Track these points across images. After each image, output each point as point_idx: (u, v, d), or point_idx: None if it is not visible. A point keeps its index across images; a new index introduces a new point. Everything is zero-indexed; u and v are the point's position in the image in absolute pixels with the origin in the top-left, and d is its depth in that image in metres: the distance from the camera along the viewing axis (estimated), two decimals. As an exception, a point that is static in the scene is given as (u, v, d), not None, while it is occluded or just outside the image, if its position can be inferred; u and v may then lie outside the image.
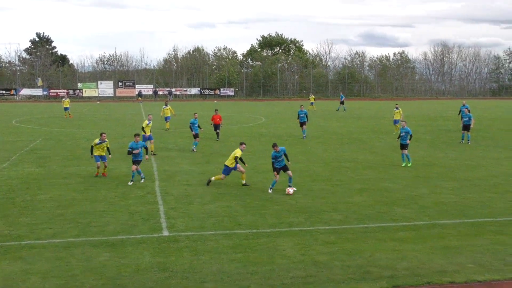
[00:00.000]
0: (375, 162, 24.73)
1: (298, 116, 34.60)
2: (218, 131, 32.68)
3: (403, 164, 23.48)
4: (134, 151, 19.88)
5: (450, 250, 12.36)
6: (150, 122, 26.78)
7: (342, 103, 63.05)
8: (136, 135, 20.53)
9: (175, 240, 13.10)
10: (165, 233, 13.67)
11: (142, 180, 20.04)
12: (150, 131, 26.84)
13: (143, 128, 26.67)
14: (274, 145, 18.45)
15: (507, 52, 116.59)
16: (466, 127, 31.70)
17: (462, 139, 31.91)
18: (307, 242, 12.94)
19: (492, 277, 10.82)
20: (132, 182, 19.64)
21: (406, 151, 23.56)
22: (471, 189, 18.87)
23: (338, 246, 12.68)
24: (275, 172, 18.29)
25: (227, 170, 19.41)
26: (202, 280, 10.66)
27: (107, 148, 21.25)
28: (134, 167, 19.93)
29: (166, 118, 38.38)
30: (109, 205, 16.44)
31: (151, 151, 26.00)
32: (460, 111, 38.65)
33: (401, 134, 23.74)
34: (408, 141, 23.54)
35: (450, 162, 24.63)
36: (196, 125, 28.49)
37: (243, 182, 19.51)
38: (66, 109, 50.44)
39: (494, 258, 11.84)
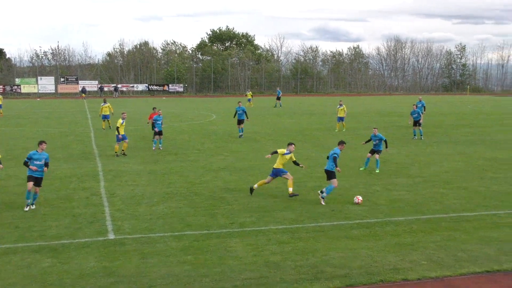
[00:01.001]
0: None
1: (236, 114, 33.52)
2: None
3: (362, 168, 22.44)
4: (30, 166, 15.75)
5: (403, 247, 12.65)
6: (124, 121, 26.48)
7: (278, 98, 63.33)
8: (42, 142, 16.16)
9: (121, 243, 12.90)
10: (111, 236, 13.45)
11: (28, 208, 15.78)
12: (124, 131, 26.59)
13: (117, 128, 26.24)
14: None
15: (459, 47, 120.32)
16: (416, 123, 32.64)
17: (414, 135, 32.78)
18: (260, 243, 12.99)
19: (444, 273, 11.14)
20: (28, 208, 15.81)
21: (378, 156, 22.27)
22: (424, 186, 19.37)
23: (291, 245, 12.78)
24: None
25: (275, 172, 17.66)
26: (150, 285, 10.54)
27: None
28: (30, 184, 15.65)
29: (106, 116, 37.13)
30: (51, 208, 16.04)
31: (123, 150, 25.97)
32: (417, 106, 39.41)
33: (374, 142, 22.35)
34: (384, 148, 22.39)
35: (403, 159, 25.21)
36: (160, 122, 28.26)
37: (290, 190, 17.38)
38: None
39: (446, 254, 12.20)
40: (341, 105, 37.16)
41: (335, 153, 16.93)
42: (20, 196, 17.35)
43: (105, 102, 37.68)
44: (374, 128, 22.95)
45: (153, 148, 27.91)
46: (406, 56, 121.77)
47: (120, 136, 26.04)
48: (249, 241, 13.13)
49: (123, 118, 26.46)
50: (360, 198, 16.92)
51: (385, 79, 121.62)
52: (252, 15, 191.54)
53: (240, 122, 33.22)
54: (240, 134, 32.99)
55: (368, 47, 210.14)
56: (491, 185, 19.50)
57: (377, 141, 22.40)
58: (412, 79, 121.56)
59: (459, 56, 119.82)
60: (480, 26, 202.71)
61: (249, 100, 64.02)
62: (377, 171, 21.89)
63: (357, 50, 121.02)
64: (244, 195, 17.76)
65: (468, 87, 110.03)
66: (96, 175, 21.10)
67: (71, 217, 15.12)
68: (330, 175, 16.93)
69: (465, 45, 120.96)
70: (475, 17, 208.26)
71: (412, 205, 16.55)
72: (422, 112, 37.79)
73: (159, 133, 28.05)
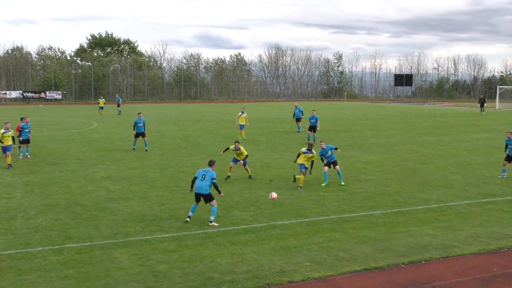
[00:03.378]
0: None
1: (135, 126, 29.78)
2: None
3: (323, 184, 20.89)
4: None
5: (288, 250, 12.98)
6: (8, 131, 24.81)
7: (118, 105, 62.47)
8: None
9: (-5, 260, 12.08)
10: (-17, 253, 12.55)
11: None
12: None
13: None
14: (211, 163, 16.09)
15: (336, 55, 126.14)
16: (312, 128, 34.09)
17: (308, 139, 33.93)
18: (145, 252, 12.74)
19: (327, 273, 11.57)
20: None
21: (338, 167, 21.41)
22: (306, 189, 20.02)
23: (178, 253, 12.66)
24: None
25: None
26: (29, 303, 9.96)
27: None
28: None
29: None
30: None
31: (8, 164, 24.24)
32: (294, 113, 40.96)
33: (326, 155, 21.49)
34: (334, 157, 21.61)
35: (285, 164, 25.89)
36: (27, 130, 26.94)
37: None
38: None
39: (329, 255, 12.69)
40: (243, 112, 36.87)
41: (213, 178, 15.37)
42: None
43: None
44: (321, 142, 22.20)
45: (20, 157, 26.61)
46: (287, 64, 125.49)
47: (5, 145, 24.58)
48: (134, 251, 12.83)
49: (6, 129, 24.92)
50: (275, 194, 17.38)
51: (267, 86, 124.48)
52: (132, 21, 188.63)
53: (140, 135, 29.72)
54: (146, 148, 29.57)
55: (251, 55, 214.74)
56: (367, 187, 20.59)
57: (329, 153, 21.44)
58: (293, 86, 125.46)
59: (337, 64, 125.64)
60: (353, 36, 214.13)
61: (101, 108, 60.63)
62: (343, 183, 20.85)
63: (239, 57, 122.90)
64: (129, 204, 17.35)
65: (345, 93, 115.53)
66: (-35, 189, 19.62)
67: None
68: (209, 197, 15.36)
69: (341, 54, 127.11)
70: (349, 27, 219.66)
71: (295, 209, 17.05)
72: (301, 117, 39.84)
73: (26, 141, 26.99)
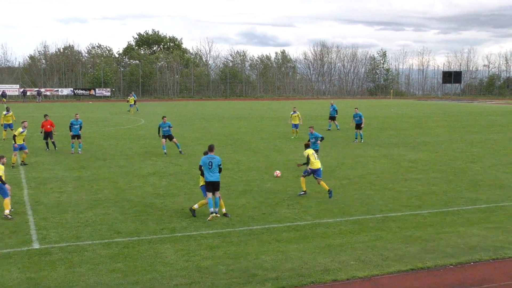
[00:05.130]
0: (257, 163, 25.22)
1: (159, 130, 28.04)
2: (52, 140, 28.92)
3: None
4: None
5: (333, 249, 12.90)
6: (24, 130, 25.18)
7: (134, 102, 61.59)
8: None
9: (47, 252, 12.45)
10: (36, 245, 12.95)
11: None
12: (24, 140, 25.20)
13: (14, 137, 24.73)
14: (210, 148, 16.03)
15: (380, 53, 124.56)
16: (357, 126, 33.64)
17: (356, 138, 33.57)
18: (191, 248, 12.89)
19: (372, 272, 11.45)
20: None
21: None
22: (351, 187, 19.86)
23: (222, 250, 12.76)
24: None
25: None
26: (78, 295, 10.23)
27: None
28: None
29: (9, 126, 34.18)
30: (-30, 218, 15.28)
31: (22, 161, 24.52)
32: (334, 110, 41.07)
33: (312, 141, 22.79)
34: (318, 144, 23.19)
35: (330, 161, 25.74)
36: (77, 126, 27.72)
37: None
38: None
39: (374, 254, 12.55)
40: (294, 111, 36.10)
41: (220, 164, 15.60)
42: None
43: (8, 110, 34.73)
44: (310, 127, 23.62)
45: (72, 152, 27.51)
46: (332, 61, 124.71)
47: (16, 145, 24.49)
48: (180, 246, 13.00)
49: (24, 127, 25.18)
50: (279, 172, 17.32)
51: (312, 84, 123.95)
52: (179, 19, 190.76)
53: (167, 138, 27.89)
54: (180, 150, 28.11)
55: (296, 52, 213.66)
56: (414, 186, 20.24)
57: (313, 140, 22.89)
58: (338, 83, 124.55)
59: (382, 61, 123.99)
60: (400, 32, 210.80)
61: (131, 105, 60.21)
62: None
63: (284, 54, 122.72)
64: (175, 200, 17.59)
65: (392, 91, 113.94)
66: (19, 183, 20.28)
67: (-8, 227, 14.45)
68: (219, 186, 15.58)
69: (386, 51, 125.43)
70: (396, 24, 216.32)
71: (340, 207, 16.93)
72: (335, 115, 39.79)
73: (76, 136, 27.80)
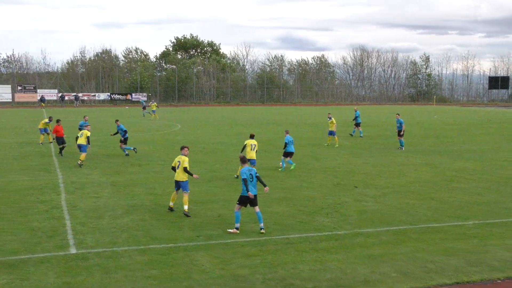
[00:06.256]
0: (295, 170, 25.14)
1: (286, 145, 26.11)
2: (64, 145, 29.16)
3: (280, 169, 24.78)
4: None
5: (373, 259, 12.75)
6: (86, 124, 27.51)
7: (144, 108, 63.71)
8: None
9: (84, 257, 12.66)
10: (73, 250, 13.19)
11: None
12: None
13: (77, 138, 26.39)
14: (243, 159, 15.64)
15: (423, 57, 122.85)
16: (398, 133, 33.26)
17: (401, 145, 33.15)
18: (227, 256, 12.92)
19: (415, 285, 11.26)
20: None
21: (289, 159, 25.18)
22: (392, 196, 19.61)
23: (259, 258, 12.74)
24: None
25: None
26: (114, 301, 10.36)
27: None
28: None
29: (45, 130, 34.54)
30: (7, 222, 15.65)
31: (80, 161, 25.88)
32: (356, 117, 41.09)
33: (288, 143, 25.14)
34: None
35: (370, 169, 25.48)
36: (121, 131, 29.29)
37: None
38: None
39: (416, 266, 12.35)
40: (330, 118, 35.19)
41: (257, 173, 15.24)
42: (-25, 210, 16.91)
43: (50, 120, 35.06)
44: (286, 130, 26.70)
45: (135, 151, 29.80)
46: (372, 66, 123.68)
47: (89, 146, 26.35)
48: (215, 254, 13.04)
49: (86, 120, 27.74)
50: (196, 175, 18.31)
51: (352, 89, 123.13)
52: (215, 23, 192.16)
53: (289, 154, 25.59)
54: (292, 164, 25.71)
55: (334, 57, 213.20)
56: (458, 195, 19.86)
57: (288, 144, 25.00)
58: (378, 89, 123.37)
59: (424, 66, 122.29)
60: (444, 36, 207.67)
61: (153, 111, 59.99)
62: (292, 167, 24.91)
63: (322, 59, 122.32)
64: (211, 207, 17.68)
65: (435, 97, 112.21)
66: (56, 187, 20.71)
67: (29, 231, 14.78)
68: (256, 200, 14.97)
69: (429, 56, 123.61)
70: (439, 27, 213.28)
71: (381, 216, 16.72)
72: (359, 122, 39.62)
73: (124, 141, 29.36)
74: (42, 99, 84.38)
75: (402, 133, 33.25)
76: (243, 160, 15.69)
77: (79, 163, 25.37)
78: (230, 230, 14.91)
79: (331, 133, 34.96)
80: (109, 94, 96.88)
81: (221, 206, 17.81)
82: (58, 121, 30.08)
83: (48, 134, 34.61)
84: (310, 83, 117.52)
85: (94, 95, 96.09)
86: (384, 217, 16.62)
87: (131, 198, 18.94)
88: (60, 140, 29.17)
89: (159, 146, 33.97)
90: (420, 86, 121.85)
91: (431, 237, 14.59)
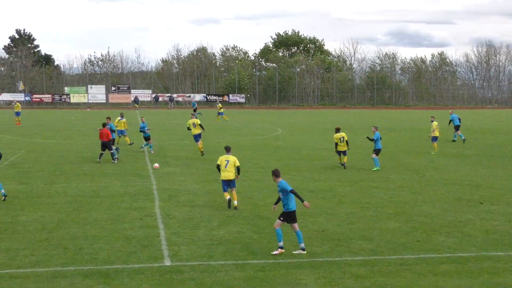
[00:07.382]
0: (410, 181, 24.56)
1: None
2: (111, 151, 29.44)
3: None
4: None
5: None
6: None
7: (195, 110, 62.06)
8: None
9: (178, 270, 13.01)
10: (167, 262, 13.59)
11: None
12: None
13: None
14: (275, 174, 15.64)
15: None
16: None
17: None
18: (334, 276, 12.80)
19: (554, 320, 10.63)
20: None
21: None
22: (525, 215, 18.66)
23: (370, 280, 12.52)
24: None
25: None
26: (211, 319, 10.54)
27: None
28: None
29: (122, 132, 36.00)
30: (102, 229, 16.41)
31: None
32: (451, 120, 41.02)
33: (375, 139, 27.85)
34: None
35: (499, 183, 24.39)
36: (145, 129, 33.30)
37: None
38: (17, 114, 52.69)
39: (556, 298, 11.65)
40: (433, 120, 35.09)
41: (291, 188, 14.93)
42: (68, 215, 17.87)
43: (122, 117, 36.80)
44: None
45: (151, 152, 32.66)
46: (501, 64, 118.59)
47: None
48: (321, 273, 12.96)
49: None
50: (157, 164, 21.81)
51: (476, 90, 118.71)
52: (318, 17, 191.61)
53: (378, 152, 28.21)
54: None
55: (455, 53, 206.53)
56: None
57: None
58: (508, 90, 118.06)
59: None
60: None
61: (221, 113, 60.18)
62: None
63: (442, 56, 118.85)
64: (315, 220, 17.61)
65: None
66: (150, 194, 21.48)
67: (123, 239, 15.42)
68: (295, 216, 14.76)
69: None
70: None
71: (512, 238, 15.95)
72: (457, 125, 39.88)
73: (147, 138, 33.27)
74: (135, 100, 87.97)
75: None
76: (276, 174, 15.54)
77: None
78: (275, 252, 14.46)
79: (435, 139, 34.05)
80: (204, 95, 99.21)
81: (325, 220, 17.70)
82: (104, 124, 30.29)
83: (124, 136, 36.41)
84: (426, 83, 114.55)
85: (189, 96, 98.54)
86: (516, 239, 15.84)
87: (227, 208, 19.24)
88: (104, 145, 29.04)
89: (258, 151, 34.34)
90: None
91: None
